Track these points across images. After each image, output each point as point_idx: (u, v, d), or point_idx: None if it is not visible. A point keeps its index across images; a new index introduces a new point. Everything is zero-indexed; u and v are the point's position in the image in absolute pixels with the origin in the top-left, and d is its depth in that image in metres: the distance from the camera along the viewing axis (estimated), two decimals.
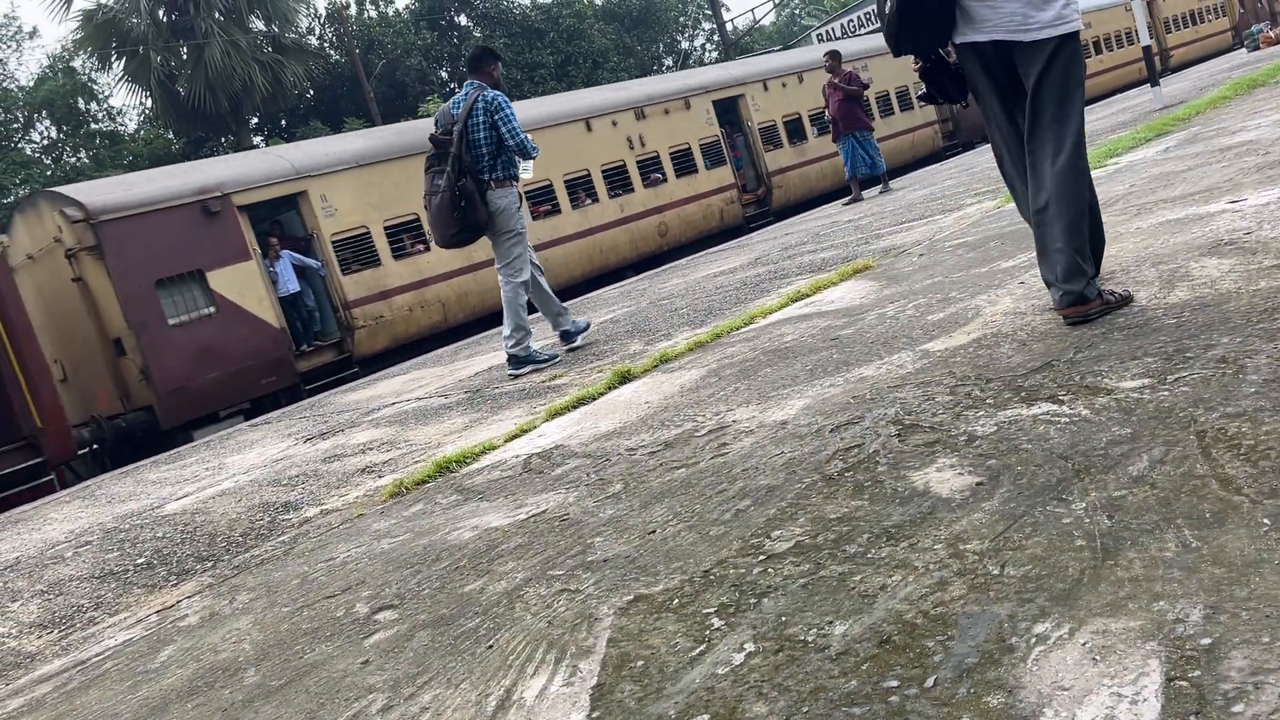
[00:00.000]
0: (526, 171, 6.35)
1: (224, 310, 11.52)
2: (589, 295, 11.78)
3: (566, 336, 6.57)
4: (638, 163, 16.10)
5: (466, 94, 6.16)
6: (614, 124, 15.92)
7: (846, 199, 13.53)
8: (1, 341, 9.62)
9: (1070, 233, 3.22)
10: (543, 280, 6.47)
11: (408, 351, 12.06)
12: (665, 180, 16.38)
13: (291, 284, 12.45)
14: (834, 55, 13.65)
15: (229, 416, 11.24)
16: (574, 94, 17.19)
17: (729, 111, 17.77)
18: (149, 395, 11.01)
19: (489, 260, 10.99)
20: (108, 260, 10.85)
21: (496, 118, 6.03)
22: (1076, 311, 3.25)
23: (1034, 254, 4.72)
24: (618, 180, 15.83)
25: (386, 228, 13.04)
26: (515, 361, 6.17)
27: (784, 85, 18.45)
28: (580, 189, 15.39)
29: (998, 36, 3.31)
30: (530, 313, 6.29)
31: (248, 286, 11.73)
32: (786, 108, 18.53)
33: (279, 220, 12.97)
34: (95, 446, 11.03)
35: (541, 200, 14.69)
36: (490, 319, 11.99)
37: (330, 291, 12.70)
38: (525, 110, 14.36)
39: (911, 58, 3.63)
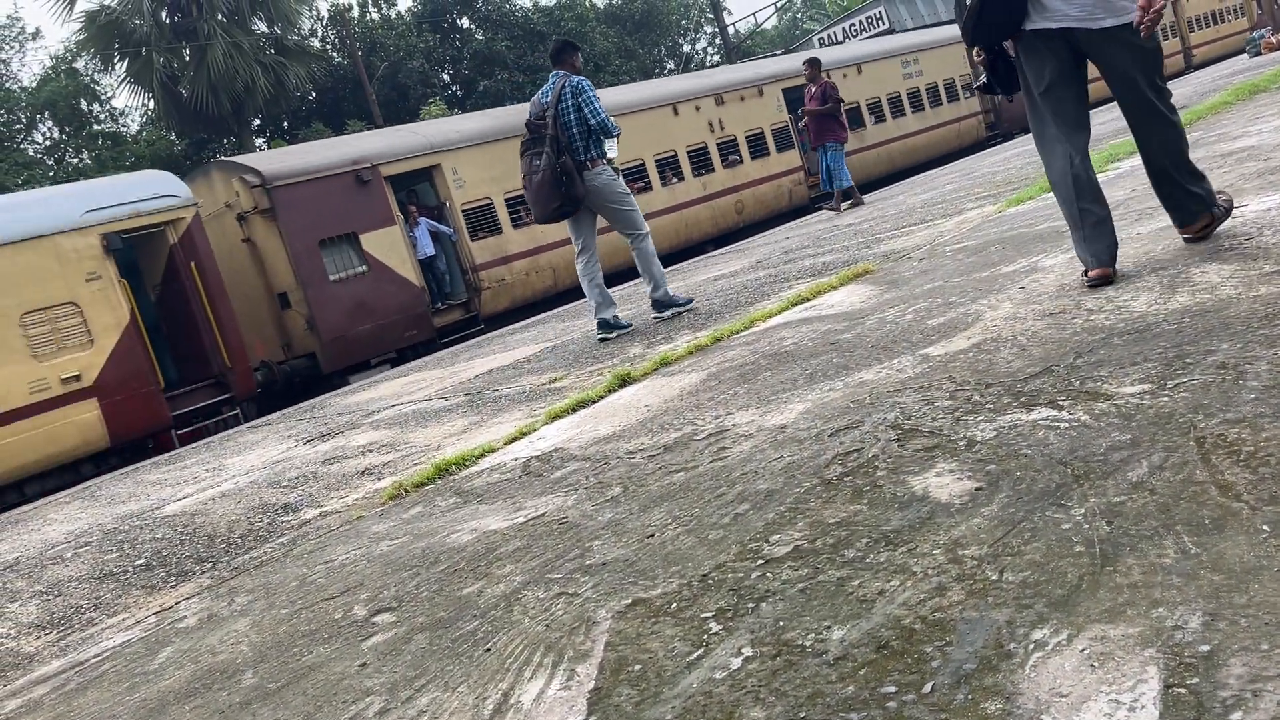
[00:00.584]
0: (612, 150, 6.76)
1: (374, 269, 13.01)
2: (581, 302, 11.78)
3: (660, 309, 6.98)
4: (718, 145, 17.45)
5: (553, 83, 6.71)
6: (697, 109, 17.20)
7: (846, 204, 13.30)
8: (197, 290, 11.36)
9: (1188, 177, 3.86)
10: (596, 266, 6.92)
11: (525, 312, 13.26)
12: (741, 162, 17.75)
13: (428, 248, 13.87)
14: (812, 64, 13.25)
15: (379, 364, 12.57)
16: (662, 80, 18.91)
17: (796, 100, 18.31)
18: (313, 343, 12.53)
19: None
20: (280, 221, 12.31)
21: (579, 100, 6.53)
22: (1205, 228, 3.97)
23: (1034, 259, 4.73)
24: (700, 161, 17.16)
25: (506, 199, 14.44)
26: (659, 306, 6.89)
27: (844, 75, 19.56)
28: (668, 168, 16.68)
29: (1069, 24, 3.72)
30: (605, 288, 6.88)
31: (393, 249, 13.23)
32: (845, 96, 19.35)
33: (415, 190, 14.45)
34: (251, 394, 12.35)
35: (635, 178, 15.87)
36: None
37: (460, 256, 14.21)
38: (620, 95, 16.42)
39: (974, 50, 4.09)
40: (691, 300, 6.97)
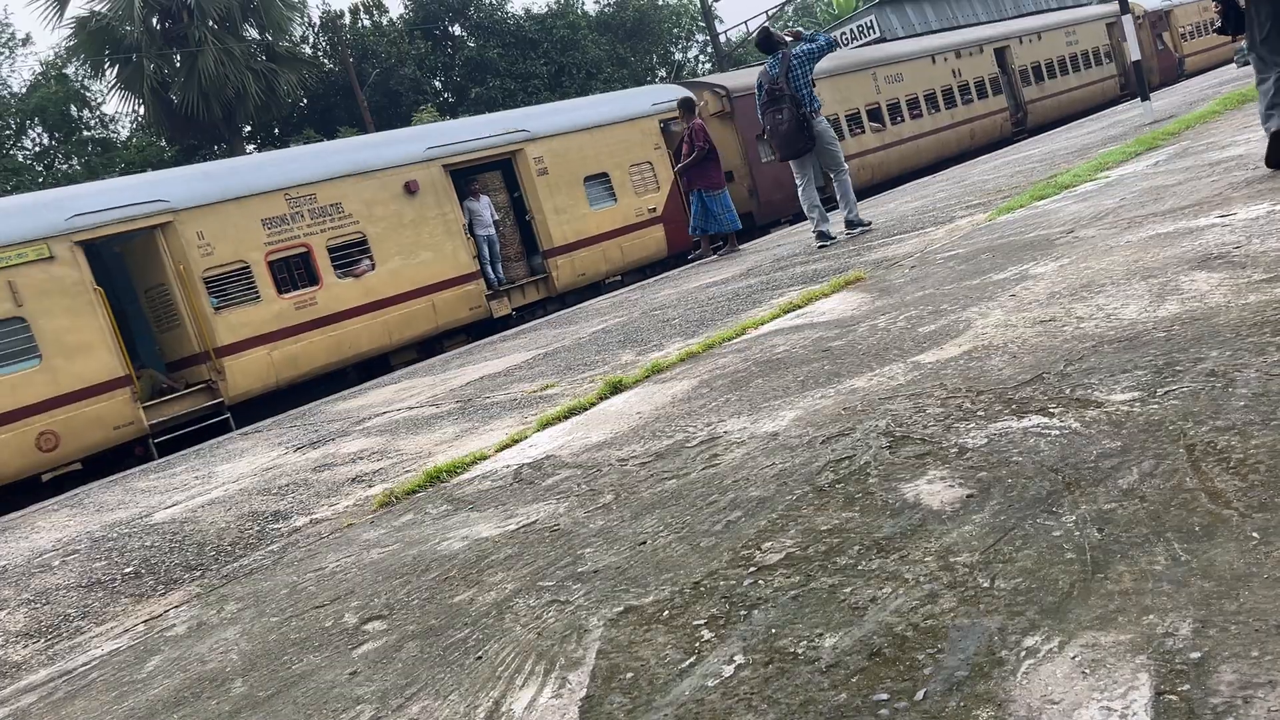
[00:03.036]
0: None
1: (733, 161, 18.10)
2: (581, 305, 11.80)
3: (852, 227, 9.20)
4: (958, 87, 22.90)
5: (778, 59, 9.12)
6: (944, 59, 22.77)
7: (711, 255, 12.49)
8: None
9: None
10: (815, 192, 9.34)
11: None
12: (972, 101, 23.28)
13: None
14: (685, 105, 12.52)
15: (787, 223, 16.90)
16: (923, 39, 23.80)
17: (1001, 57, 24.62)
18: (752, 205, 17.60)
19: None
20: (735, 121, 17.63)
21: (808, 62, 9.05)
22: None
23: (1024, 266, 4.75)
24: (948, 98, 22.64)
25: (848, 115, 20.07)
26: (850, 225, 9.23)
27: (1034, 40, 25.37)
28: (929, 102, 22.07)
29: None
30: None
31: None
32: (1034, 57, 25.37)
33: None
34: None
35: (914, 108, 21.55)
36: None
37: None
38: (894, 49, 22.34)
39: None
40: (871, 222, 9.38)
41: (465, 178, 14.03)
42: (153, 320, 11.83)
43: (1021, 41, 25.07)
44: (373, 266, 12.67)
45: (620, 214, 15.67)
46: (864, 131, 20.03)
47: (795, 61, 8.97)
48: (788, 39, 9.20)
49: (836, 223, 9.71)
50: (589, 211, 15.20)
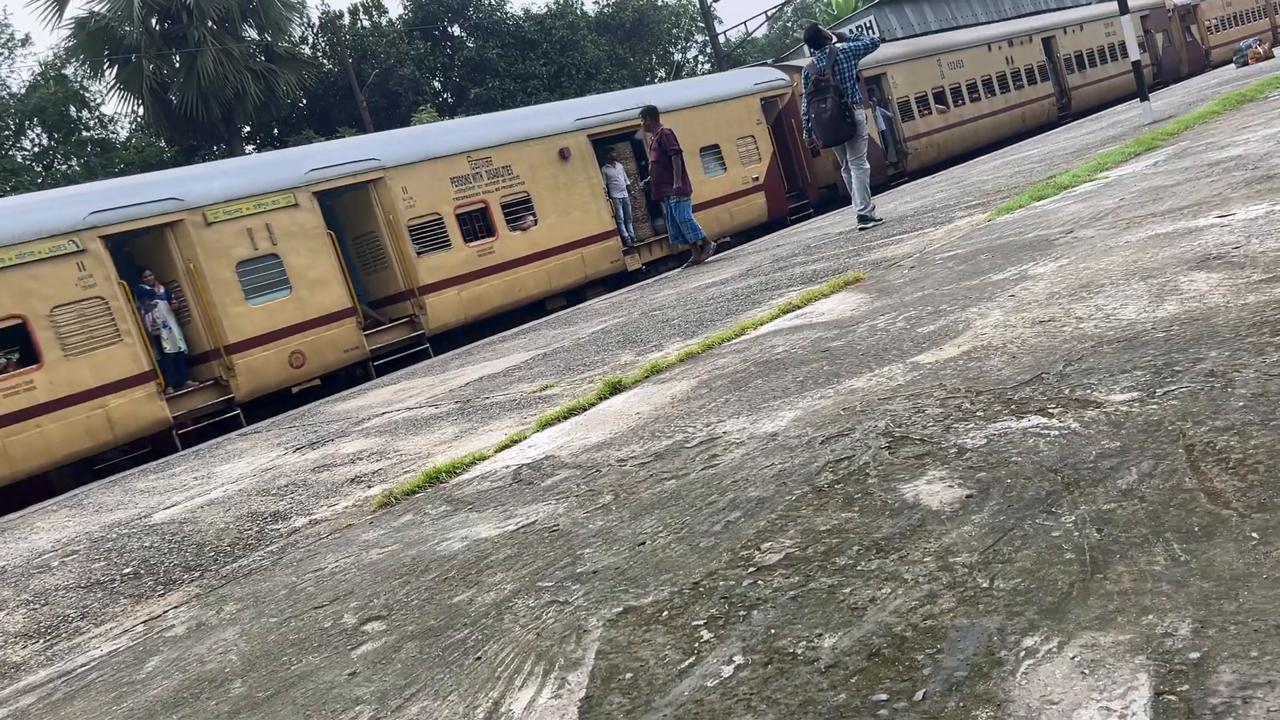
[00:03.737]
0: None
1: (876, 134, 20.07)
2: (580, 306, 11.81)
3: (863, 223, 9.82)
4: (1011, 74, 24.44)
5: (825, 54, 9.76)
6: (999, 48, 24.34)
7: (710, 255, 12.41)
8: (795, 135, 18.22)
9: None
10: (865, 181, 9.98)
11: (936, 168, 20.16)
12: (1024, 87, 24.77)
13: (881, 124, 20.47)
14: (649, 113, 12.14)
15: (900, 182, 18.97)
16: (977, 28, 25.25)
17: (1048, 47, 26.10)
18: (836, 178, 17.21)
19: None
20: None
21: (854, 57, 9.71)
22: None
23: (1023, 267, 4.75)
24: (1003, 83, 24.23)
25: (917, 96, 21.86)
26: (863, 219, 9.83)
27: (1078, 30, 27.10)
28: (986, 87, 23.65)
29: None
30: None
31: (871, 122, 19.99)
32: (1077, 46, 26.93)
33: (877, 85, 21.21)
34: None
35: (973, 93, 23.19)
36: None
37: (895, 131, 21.10)
38: (953, 37, 23.58)
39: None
40: (882, 219, 9.96)
41: (603, 147, 15.68)
42: (359, 264, 13.53)
43: (1066, 32, 26.63)
44: (535, 222, 14.47)
45: (729, 181, 17.35)
46: (931, 113, 21.83)
47: (841, 56, 9.64)
48: (829, 32, 10.07)
49: (853, 216, 10.37)
50: (705, 178, 16.62)
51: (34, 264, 10.03)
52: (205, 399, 11.22)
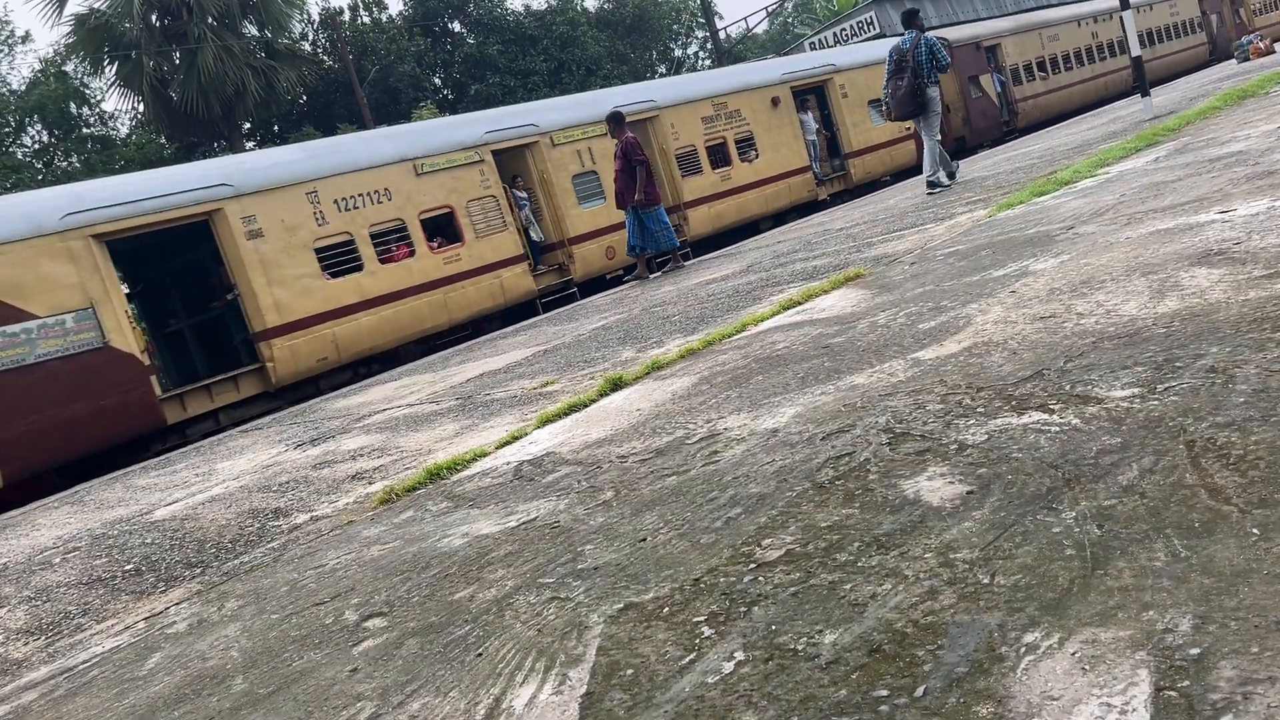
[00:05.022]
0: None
1: (985, 94, 22.87)
2: (582, 302, 11.80)
3: (932, 187, 10.96)
4: (1095, 47, 27.15)
5: (910, 37, 11.03)
6: (1086, 24, 27.09)
7: (630, 277, 12.23)
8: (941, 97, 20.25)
9: None
10: (939, 148, 11.21)
11: (1045, 123, 23.18)
12: (1106, 59, 27.51)
13: (996, 87, 23.75)
14: (614, 119, 11.93)
15: (988, 146, 21.49)
16: (1070, 6, 28.14)
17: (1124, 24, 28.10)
18: (965, 131, 21.98)
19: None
20: (954, 65, 20.13)
21: (934, 50, 10.97)
22: None
23: (1024, 263, 4.75)
24: (1090, 55, 27.04)
25: (1025, 63, 24.91)
26: (932, 185, 11.00)
27: (1149, 9, 29.16)
28: (1076, 58, 26.38)
29: None
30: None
31: (989, 85, 23.18)
32: (1148, 24, 28.85)
33: (993, 54, 24.26)
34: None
35: (1066, 63, 25.87)
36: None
37: (1007, 93, 24.00)
38: (1054, 14, 26.52)
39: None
40: (949, 184, 11.09)
41: (799, 97, 19.01)
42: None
43: (1139, 11, 28.28)
44: (757, 156, 17.83)
45: (888, 130, 20.10)
46: (1035, 79, 24.72)
47: (924, 44, 10.96)
48: (922, 22, 11.34)
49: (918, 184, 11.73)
50: (871, 127, 20.01)
51: (455, 169, 13.50)
52: (553, 279, 14.65)
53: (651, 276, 11.80)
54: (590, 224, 14.92)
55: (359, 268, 12.28)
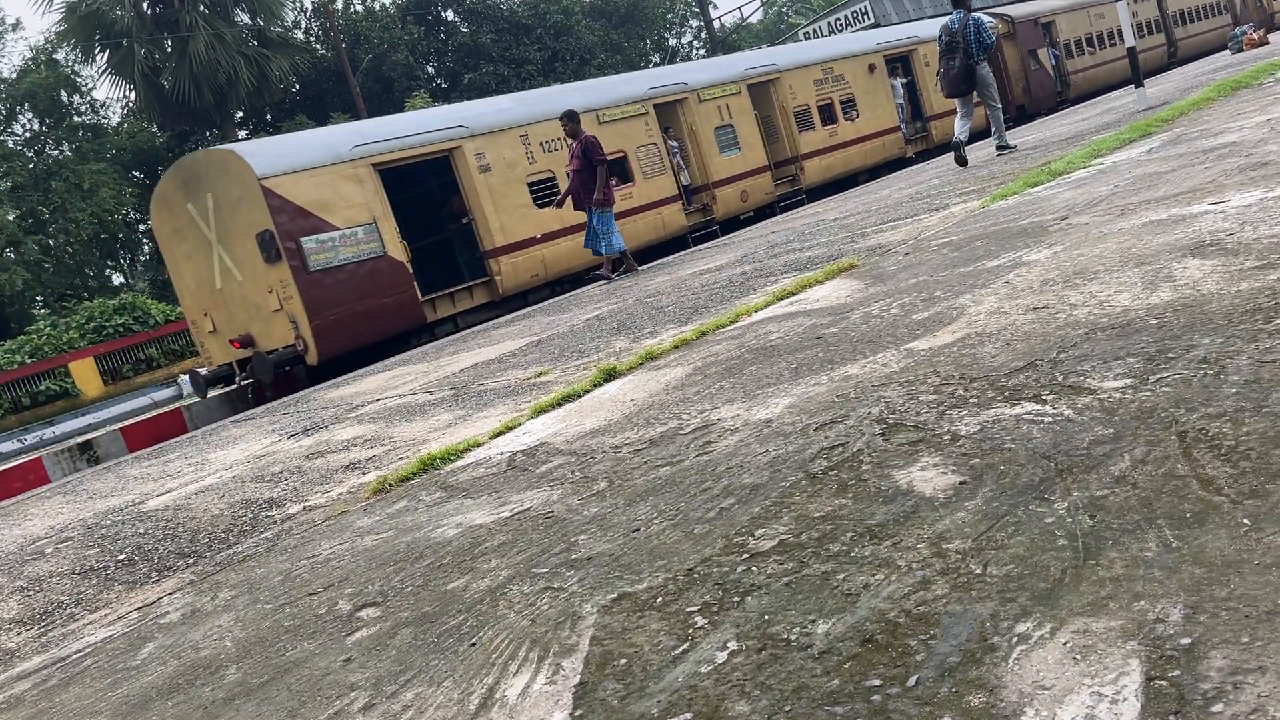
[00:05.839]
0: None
1: (1041, 67, 24.51)
2: (575, 293, 11.79)
3: (1001, 150, 12.05)
4: (1135, 25, 27.90)
5: (959, 17, 11.66)
6: (1128, 4, 30.06)
7: (617, 274, 12.04)
8: (1005, 66, 23.29)
9: None
10: (967, 125, 12.00)
11: (1093, 94, 25.96)
12: (1145, 36, 29.14)
13: (1050, 60, 25.58)
14: (570, 117, 11.71)
15: (1045, 114, 23.39)
16: None
17: (1160, 3, 30.72)
18: (1025, 100, 23.81)
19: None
20: (1017, 39, 23.59)
21: (980, 30, 11.56)
22: None
23: (1017, 254, 4.75)
24: (1150, 28, 29.54)
25: (1074, 41, 27.06)
26: (1000, 147, 12.13)
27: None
28: (1119, 35, 26.48)
29: None
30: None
31: (1046, 58, 24.86)
32: (1180, 5, 31.54)
33: (1050, 29, 26.12)
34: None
35: (1110, 39, 27.54)
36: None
37: (1060, 66, 25.66)
38: None
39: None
40: (1017, 145, 12.44)
41: (889, 64, 20.95)
42: (764, 137, 18.88)
43: None
44: (858, 115, 19.98)
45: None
46: (1083, 54, 26.70)
47: (973, 24, 11.55)
48: (972, 4, 12.07)
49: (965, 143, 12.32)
50: None
51: (628, 119, 15.88)
52: (699, 217, 16.91)
53: (610, 279, 11.64)
54: (728, 170, 17.39)
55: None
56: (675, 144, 16.67)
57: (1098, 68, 27.75)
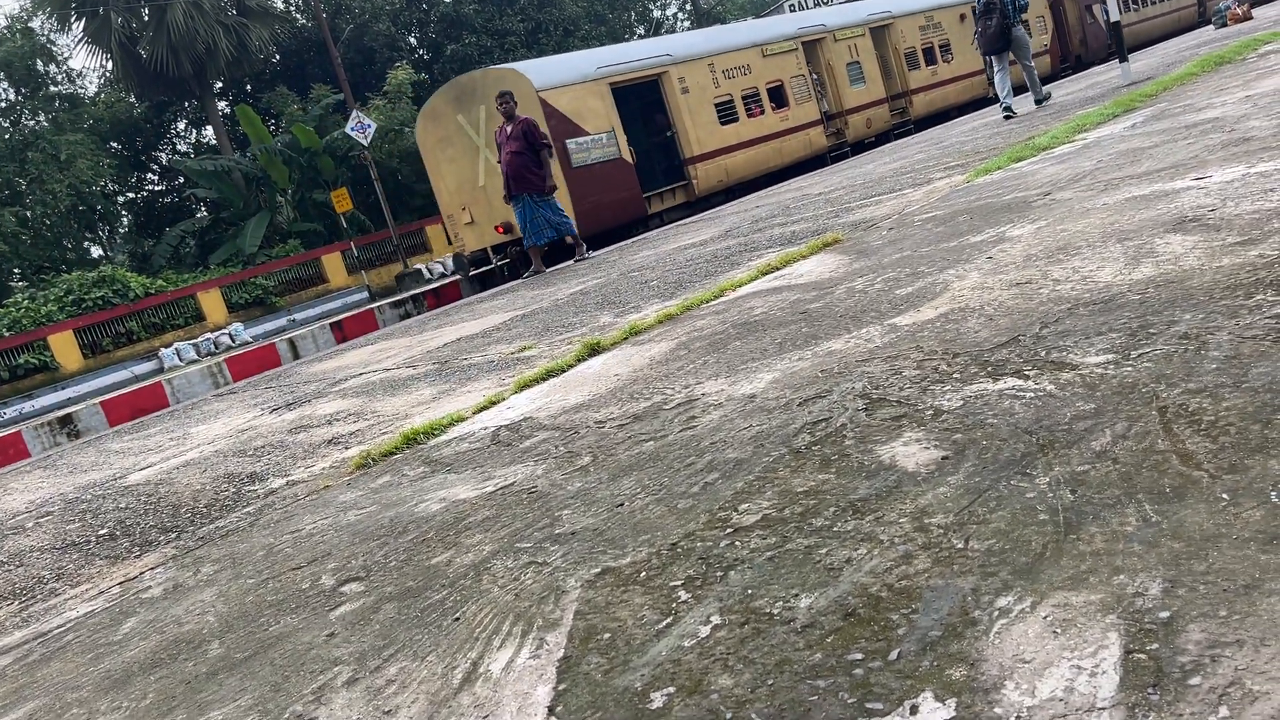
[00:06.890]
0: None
1: (1096, 20, 28.20)
2: (559, 266, 11.74)
3: (1039, 103, 13.58)
4: None
5: None
6: None
7: (527, 272, 11.67)
8: (1065, 20, 28.42)
9: None
10: (1008, 80, 13.21)
11: (1141, 46, 29.04)
12: (1170, 1, 33.36)
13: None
14: (505, 97, 11.09)
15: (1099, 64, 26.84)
16: None
17: None
18: (1082, 50, 28.30)
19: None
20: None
21: None
22: None
23: (1001, 229, 4.76)
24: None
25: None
26: (1038, 102, 13.48)
27: None
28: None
29: None
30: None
31: (1099, 15, 28.40)
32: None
33: None
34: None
35: (1143, 1, 31.42)
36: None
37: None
38: None
39: None
40: (1050, 95, 14.36)
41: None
42: (882, 75, 22.53)
43: None
44: (951, 59, 23.80)
45: (1038, 43, 24.72)
46: (1130, 11, 30.03)
47: None
48: None
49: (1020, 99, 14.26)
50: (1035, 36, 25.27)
51: (784, 54, 19.67)
52: (834, 140, 20.62)
53: (549, 270, 11.32)
54: (856, 100, 21.11)
55: (735, 119, 18.48)
56: (815, 76, 20.22)
57: (1141, 24, 31.40)
